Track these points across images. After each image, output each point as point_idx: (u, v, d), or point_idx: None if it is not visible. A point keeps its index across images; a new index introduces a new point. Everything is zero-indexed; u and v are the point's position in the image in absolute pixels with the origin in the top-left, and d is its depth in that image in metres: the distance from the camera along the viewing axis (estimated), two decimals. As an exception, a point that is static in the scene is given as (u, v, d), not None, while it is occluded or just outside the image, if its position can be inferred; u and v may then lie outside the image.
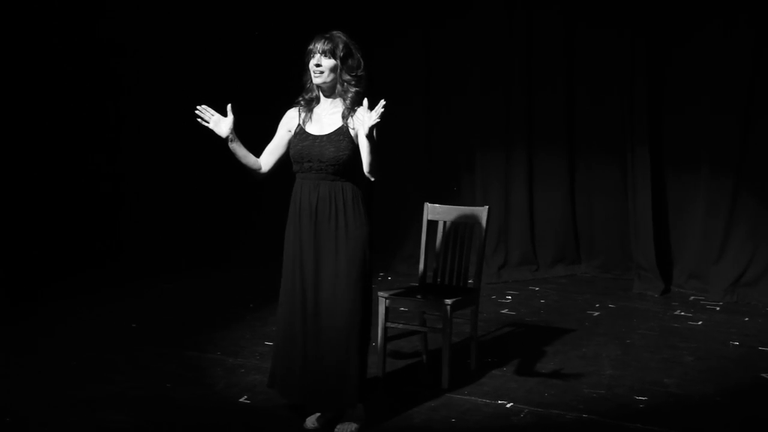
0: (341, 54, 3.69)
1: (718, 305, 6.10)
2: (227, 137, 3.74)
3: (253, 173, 3.88)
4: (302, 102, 3.82)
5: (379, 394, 4.32)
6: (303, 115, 3.82)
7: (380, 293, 4.53)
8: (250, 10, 7.21)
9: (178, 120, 7.21)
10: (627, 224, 6.79)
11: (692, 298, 6.30)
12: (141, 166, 7.47)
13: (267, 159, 3.88)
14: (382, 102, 3.51)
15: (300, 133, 3.79)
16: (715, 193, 6.30)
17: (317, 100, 3.81)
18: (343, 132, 3.72)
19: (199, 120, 3.75)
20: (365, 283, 3.74)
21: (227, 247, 7.36)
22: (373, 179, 3.70)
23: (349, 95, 3.72)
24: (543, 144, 7.01)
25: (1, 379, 4.50)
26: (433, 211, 4.81)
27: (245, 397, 4.28)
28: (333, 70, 3.70)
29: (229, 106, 3.74)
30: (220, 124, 3.74)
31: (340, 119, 3.74)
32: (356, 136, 3.72)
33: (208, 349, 5.01)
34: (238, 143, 3.78)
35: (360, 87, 3.72)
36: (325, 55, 3.68)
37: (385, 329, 4.54)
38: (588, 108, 6.93)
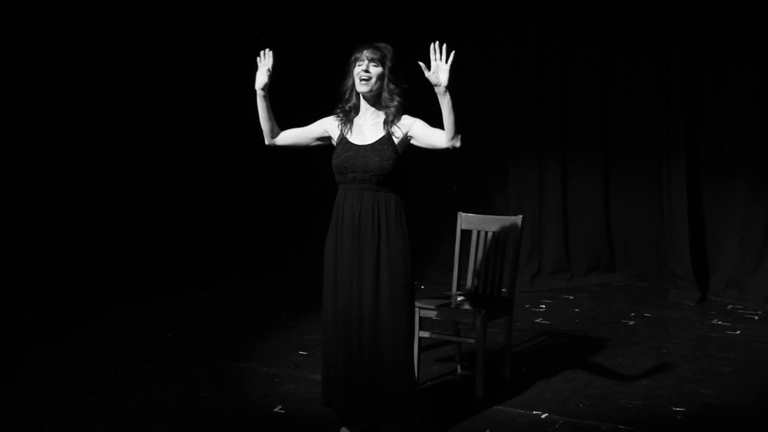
0: (389, 64, 3.72)
1: (756, 314, 6.01)
2: (257, 90, 3.78)
3: (265, 134, 3.87)
4: (340, 114, 3.82)
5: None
6: (343, 126, 3.81)
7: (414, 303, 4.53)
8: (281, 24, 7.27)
9: (226, 128, 7.39)
10: (662, 232, 6.73)
11: (730, 307, 6.22)
12: (182, 174, 7.53)
13: (287, 135, 3.89)
14: (452, 53, 3.50)
15: (343, 143, 3.78)
16: (753, 200, 6.22)
17: (356, 111, 3.81)
18: (386, 141, 3.71)
19: (258, 58, 3.79)
20: (408, 295, 3.73)
21: (267, 257, 7.40)
22: (458, 145, 3.62)
23: (394, 104, 3.73)
24: (577, 154, 6.98)
25: (40, 389, 4.58)
26: (466, 220, 4.80)
27: (279, 407, 4.30)
28: (380, 78, 3.72)
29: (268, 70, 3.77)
30: (261, 77, 3.78)
31: (383, 128, 3.74)
32: (400, 144, 3.72)
33: (243, 359, 5.04)
34: (265, 103, 3.81)
35: (404, 99, 3.73)
36: (374, 63, 3.70)
37: (419, 339, 4.54)
38: (624, 121, 6.88)
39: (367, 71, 3.69)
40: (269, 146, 3.92)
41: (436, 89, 3.55)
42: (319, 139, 3.88)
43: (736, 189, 6.33)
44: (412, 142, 3.75)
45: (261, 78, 3.79)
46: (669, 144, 6.49)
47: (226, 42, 7.33)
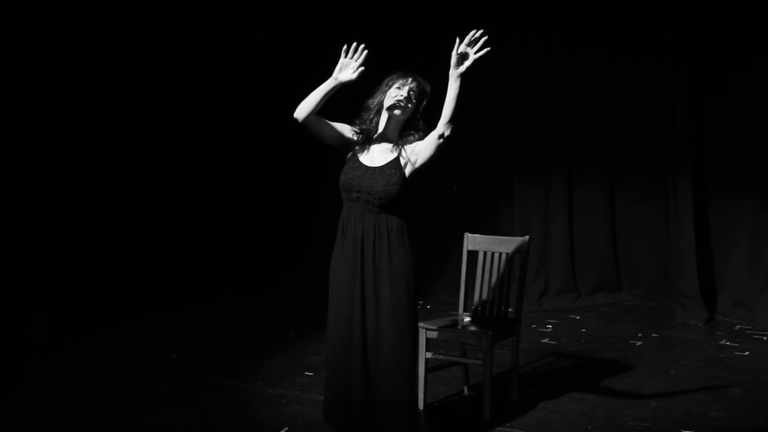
0: (424, 103, 3.74)
1: (765, 335, 5.97)
2: (336, 78, 3.63)
3: (303, 111, 3.67)
4: (358, 130, 3.79)
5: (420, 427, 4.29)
6: (358, 143, 3.79)
7: (420, 324, 4.50)
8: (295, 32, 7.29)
9: (229, 143, 7.40)
10: (669, 251, 6.70)
11: (738, 327, 6.18)
12: (187, 193, 7.53)
13: (317, 120, 3.73)
14: (486, 50, 3.49)
15: (353, 161, 3.77)
16: (760, 218, 6.20)
17: (375, 131, 3.80)
18: (395, 165, 3.70)
19: (346, 51, 3.63)
20: (411, 317, 3.71)
21: (273, 277, 7.39)
22: (448, 133, 3.57)
23: (412, 137, 3.72)
24: (583, 173, 6.98)
25: (47, 409, 4.56)
26: (473, 241, 4.79)
27: (286, 428, 4.28)
28: (414, 111, 3.73)
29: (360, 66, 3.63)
30: (348, 73, 3.64)
31: (393, 152, 3.73)
32: (405, 165, 3.70)
33: (249, 380, 5.02)
34: (332, 92, 3.65)
35: (425, 133, 3.73)
36: (414, 94, 3.70)
37: (426, 360, 4.52)
38: (629, 138, 6.89)
39: (408, 98, 3.69)
40: (296, 120, 3.71)
41: (451, 71, 3.53)
42: (339, 140, 3.81)
43: (743, 206, 6.31)
44: (417, 164, 3.71)
45: (347, 73, 3.61)
46: (675, 161, 6.48)
47: (234, 46, 7.33)
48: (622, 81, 6.85)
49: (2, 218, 5.90)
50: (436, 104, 3.70)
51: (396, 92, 3.69)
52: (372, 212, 3.70)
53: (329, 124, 3.79)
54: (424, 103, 3.73)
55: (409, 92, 3.69)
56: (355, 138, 3.80)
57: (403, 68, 3.80)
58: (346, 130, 3.82)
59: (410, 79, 3.72)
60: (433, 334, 4.54)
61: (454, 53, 3.50)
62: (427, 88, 3.75)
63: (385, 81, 3.75)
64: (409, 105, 3.70)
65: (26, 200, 5.97)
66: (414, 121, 3.74)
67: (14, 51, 5.82)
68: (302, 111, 3.68)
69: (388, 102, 3.70)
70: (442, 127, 3.59)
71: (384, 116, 3.75)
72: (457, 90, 3.53)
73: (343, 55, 3.67)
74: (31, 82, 5.92)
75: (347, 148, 3.81)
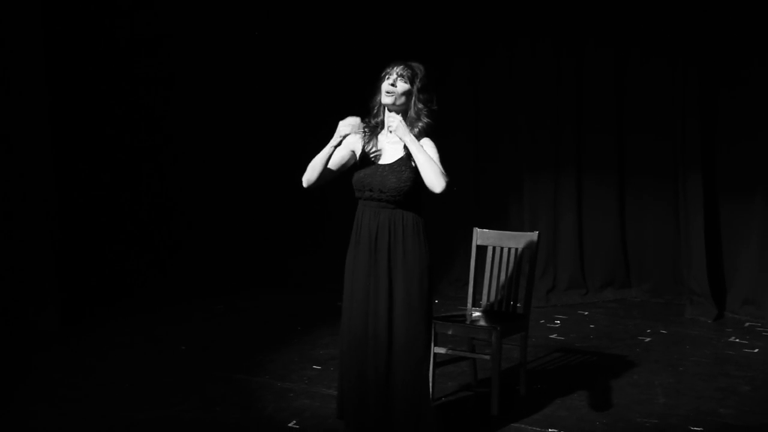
0: (419, 84, 3.68)
1: (774, 332, 5.97)
2: (333, 146, 3.68)
3: (310, 177, 3.75)
4: (366, 129, 3.79)
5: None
6: (366, 142, 3.78)
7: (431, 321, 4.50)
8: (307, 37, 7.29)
9: (238, 137, 7.41)
10: (678, 248, 6.68)
11: (747, 324, 6.16)
12: (196, 186, 7.54)
13: (324, 175, 3.76)
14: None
15: (363, 160, 3.77)
16: (771, 216, 6.18)
17: (382, 126, 3.79)
18: (405, 162, 3.68)
19: (351, 128, 3.66)
20: (425, 313, 3.69)
21: (282, 271, 7.41)
22: (438, 191, 3.58)
23: (420, 125, 3.69)
24: (592, 168, 6.95)
25: (56, 401, 4.58)
26: (482, 236, 4.79)
27: (294, 421, 4.29)
28: (406, 95, 3.68)
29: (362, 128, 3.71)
30: (349, 133, 3.68)
31: (403, 148, 3.71)
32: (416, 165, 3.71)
33: (257, 373, 5.03)
34: (333, 152, 3.71)
35: (431, 120, 3.70)
36: (402, 79, 3.67)
37: (434, 355, 4.52)
38: (639, 135, 6.86)
39: (393, 85, 3.65)
40: (308, 188, 3.80)
41: (397, 137, 3.58)
42: (353, 159, 3.82)
43: (753, 203, 6.28)
44: None
45: (348, 135, 3.67)
46: (685, 157, 6.45)
47: (238, 46, 7.33)
48: (632, 77, 6.83)
49: (13, 212, 5.93)
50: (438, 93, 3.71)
51: (385, 84, 3.68)
52: (387, 208, 3.69)
53: (335, 163, 3.76)
54: (419, 83, 3.67)
55: (396, 79, 3.65)
56: (362, 140, 3.79)
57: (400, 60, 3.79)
58: (350, 146, 3.79)
59: (397, 67, 3.68)
60: (442, 329, 4.53)
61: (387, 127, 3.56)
62: (419, 69, 3.69)
63: (381, 75, 3.73)
64: (399, 91, 3.65)
65: (37, 194, 5.99)
66: (414, 107, 3.69)
67: (26, 55, 5.85)
68: (309, 179, 3.75)
69: (382, 96, 3.70)
70: (430, 189, 3.58)
71: (385, 111, 3.74)
72: (417, 149, 3.55)
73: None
74: (43, 86, 5.96)
75: (357, 153, 3.81)
